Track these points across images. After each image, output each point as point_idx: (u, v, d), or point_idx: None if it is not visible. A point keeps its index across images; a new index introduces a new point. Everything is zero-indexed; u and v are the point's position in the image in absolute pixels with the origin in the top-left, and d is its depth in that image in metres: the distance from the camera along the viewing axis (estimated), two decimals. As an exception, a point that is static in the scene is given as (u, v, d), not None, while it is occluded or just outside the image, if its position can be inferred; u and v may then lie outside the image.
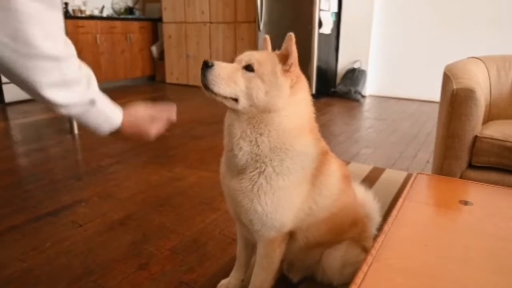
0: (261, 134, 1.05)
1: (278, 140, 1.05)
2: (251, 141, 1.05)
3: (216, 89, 1.00)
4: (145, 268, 1.53)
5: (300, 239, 1.19)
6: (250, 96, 1.01)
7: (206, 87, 1.01)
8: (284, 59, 1.05)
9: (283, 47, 1.06)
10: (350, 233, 1.28)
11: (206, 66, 1.00)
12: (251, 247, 1.32)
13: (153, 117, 1.08)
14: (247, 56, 1.04)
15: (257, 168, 1.07)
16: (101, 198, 2.13)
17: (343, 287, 1.26)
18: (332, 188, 1.17)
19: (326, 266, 1.27)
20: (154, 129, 1.08)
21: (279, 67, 1.04)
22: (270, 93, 1.02)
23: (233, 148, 1.08)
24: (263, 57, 1.05)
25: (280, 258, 1.18)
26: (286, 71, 1.04)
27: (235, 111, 1.05)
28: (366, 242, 1.32)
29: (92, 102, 0.93)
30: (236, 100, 1.02)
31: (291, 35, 1.03)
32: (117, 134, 1.02)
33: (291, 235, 1.17)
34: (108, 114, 0.98)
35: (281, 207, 1.08)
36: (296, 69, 1.06)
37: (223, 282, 1.38)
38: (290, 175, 1.08)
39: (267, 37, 1.18)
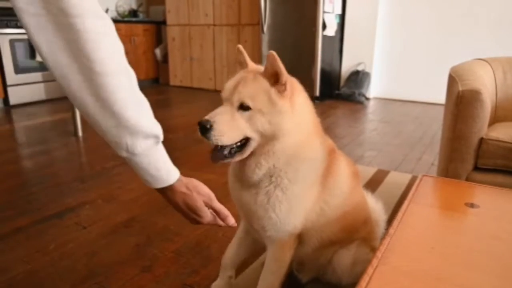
0: (278, 158, 1.04)
1: (291, 154, 1.05)
2: (269, 166, 1.05)
3: (225, 143, 0.98)
4: (149, 270, 1.53)
5: (315, 239, 1.19)
6: (257, 132, 0.99)
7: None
8: (272, 78, 0.99)
9: (266, 66, 1.00)
10: (362, 232, 1.29)
11: (205, 129, 0.97)
12: (244, 248, 1.33)
13: (211, 199, 1.03)
14: (236, 94, 0.99)
15: (272, 182, 1.06)
16: (105, 201, 2.13)
17: (350, 287, 1.26)
18: (342, 186, 1.17)
19: (337, 265, 1.27)
20: (207, 215, 1.02)
21: (272, 92, 0.99)
22: (273, 120, 0.99)
23: (245, 172, 1.07)
24: (253, 89, 0.99)
25: (289, 262, 1.17)
26: (282, 92, 0.99)
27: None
28: (374, 242, 1.33)
29: (157, 137, 0.90)
30: (246, 141, 1.01)
31: (272, 53, 0.96)
32: (171, 192, 0.96)
33: (303, 237, 1.17)
34: (167, 160, 0.93)
35: (293, 212, 1.08)
36: (289, 84, 1.02)
37: (214, 285, 1.37)
38: (304, 182, 1.08)
39: (240, 47, 1.12)
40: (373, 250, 1.28)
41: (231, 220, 1.06)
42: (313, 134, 1.10)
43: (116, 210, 2.03)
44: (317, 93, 4.93)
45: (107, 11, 6.10)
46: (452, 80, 1.83)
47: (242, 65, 1.11)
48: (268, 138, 1.01)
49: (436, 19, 4.81)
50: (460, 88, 1.68)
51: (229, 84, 1.03)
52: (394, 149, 3.11)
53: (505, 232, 0.99)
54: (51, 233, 1.81)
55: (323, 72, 4.94)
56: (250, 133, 0.99)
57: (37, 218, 1.94)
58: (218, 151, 1.02)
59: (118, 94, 0.78)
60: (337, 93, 5.24)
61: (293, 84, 1.05)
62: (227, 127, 0.97)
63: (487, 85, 1.86)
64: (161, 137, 0.89)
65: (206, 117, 0.98)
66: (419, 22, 4.92)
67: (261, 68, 1.06)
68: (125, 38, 5.83)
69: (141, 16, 6.63)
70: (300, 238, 1.17)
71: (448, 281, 0.79)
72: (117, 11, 6.36)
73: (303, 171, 1.07)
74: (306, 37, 4.82)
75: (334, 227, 1.19)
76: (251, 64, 1.10)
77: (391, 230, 0.97)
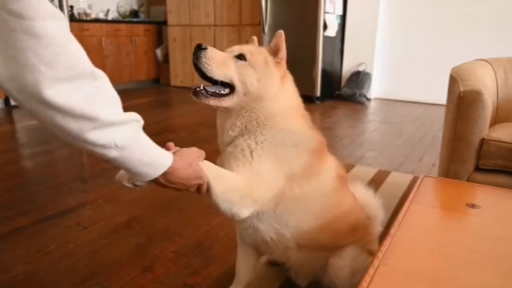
0: (250, 120, 1.08)
1: (271, 120, 1.08)
2: (240, 127, 1.09)
3: (208, 71, 1.02)
4: (149, 270, 1.53)
5: (292, 226, 1.13)
6: (244, 83, 1.05)
7: (199, 69, 1.03)
8: (274, 53, 1.10)
9: (272, 43, 1.10)
10: (350, 238, 1.25)
11: (200, 48, 1.02)
12: (252, 256, 1.32)
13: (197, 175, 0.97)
14: (238, 47, 1.09)
15: (247, 138, 1.08)
16: (106, 201, 2.13)
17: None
18: (324, 182, 1.14)
19: (334, 277, 1.23)
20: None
21: (270, 58, 1.09)
22: (262, 80, 1.06)
23: (223, 140, 1.12)
24: (255, 48, 1.11)
25: (242, 212, 1.04)
26: (277, 63, 1.09)
27: (226, 109, 1.09)
28: (371, 246, 1.30)
29: (138, 121, 0.83)
30: (230, 89, 1.06)
31: (281, 32, 1.08)
32: (167, 176, 0.88)
33: (279, 216, 1.12)
34: (154, 144, 0.86)
35: (263, 163, 1.05)
36: (284, 65, 1.11)
37: None
38: (281, 148, 1.07)
39: (255, 37, 1.25)
40: (371, 254, 1.25)
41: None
42: (298, 115, 1.15)
43: (117, 210, 2.03)
44: (318, 93, 4.93)
45: (108, 11, 6.10)
46: (453, 81, 1.83)
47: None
48: (251, 98, 1.06)
49: (437, 19, 4.80)
50: (461, 89, 1.67)
51: (235, 46, 1.12)
52: (395, 150, 3.11)
53: (506, 232, 0.99)
54: (52, 233, 1.81)
55: (324, 72, 4.94)
56: (237, 81, 1.05)
57: (38, 218, 1.94)
58: (203, 88, 1.07)
59: (93, 98, 0.72)
60: (338, 93, 5.23)
61: (287, 73, 1.15)
62: (219, 59, 1.03)
63: (488, 85, 1.86)
64: (142, 120, 0.83)
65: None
66: (420, 22, 4.91)
67: None
68: (126, 39, 5.84)
69: (142, 16, 6.64)
70: (276, 216, 1.11)
71: (449, 281, 0.78)
72: (118, 11, 6.36)
73: (279, 138, 1.07)
74: (307, 38, 4.82)
75: (311, 222, 1.14)
76: (283, 37, 1.15)
77: (392, 231, 0.97)
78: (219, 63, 1.03)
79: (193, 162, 0.95)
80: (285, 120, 1.10)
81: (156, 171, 0.85)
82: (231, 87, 1.06)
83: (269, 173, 1.06)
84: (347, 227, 1.24)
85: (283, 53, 1.09)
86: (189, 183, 0.93)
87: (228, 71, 1.04)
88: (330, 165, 1.18)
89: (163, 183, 0.89)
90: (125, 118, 0.78)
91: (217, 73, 1.03)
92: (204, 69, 1.02)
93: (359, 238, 1.28)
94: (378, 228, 1.44)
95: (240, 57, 1.06)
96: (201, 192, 0.99)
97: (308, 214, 1.15)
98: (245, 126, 1.09)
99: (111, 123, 0.75)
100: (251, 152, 1.05)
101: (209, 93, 1.06)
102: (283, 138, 1.08)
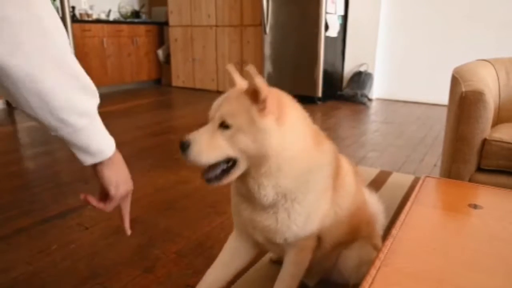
0: (277, 177, 1.00)
1: (294, 170, 1.02)
2: (273, 186, 1.01)
3: (203, 162, 0.96)
4: (151, 271, 1.53)
5: (327, 242, 1.19)
6: (240, 151, 0.96)
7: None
8: (254, 96, 0.94)
9: (247, 85, 0.97)
10: (365, 232, 1.30)
11: (183, 148, 0.96)
12: (238, 262, 1.29)
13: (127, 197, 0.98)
14: (218, 112, 0.97)
15: (287, 199, 1.05)
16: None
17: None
18: (349, 187, 1.19)
19: (343, 267, 1.27)
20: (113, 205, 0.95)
21: (253, 110, 0.94)
22: (257, 139, 0.94)
23: (254, 196, 1.04)
24: (233, 106, 0.97)
25: (307, 265, 1.18)
26: (262, 110, 0.94)
27: (242, 175, 1.01)
28: (376, 240, 1.34)
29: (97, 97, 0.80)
30: (233, 163, 0.98)
31: (250, 69, 0.92)
32: (107, 165, 0.87)
33: (319, 241, 1.18)
34: (106, 134, 0.84)
35: (311, 219, 1.09)
36: (271, 100, 0.95)
37: None
38: (316, 190, 1.08)
39: (229, 66, 1.07)
40: (375, 248, 1.29)
41: (128, 230, 1.03)
42: (311, 146, 1.06)
43: (118, 211, 2.02)
44: (320, 94, 4.93)
45: (109, 12, 6.11)
46: (455, 81, 1.82)
47: (231, 84, 1.09)
48: (258, 159, 0.96)
49: (439, 19, 4.80)
50: (463, 89, 1.67)
51: (215, 103, 1.02)
52: (396, 150, 3.10)
53: (509, 233, 0.99)
54: (54, 233, 1.81)
55: (325, 73, 4.94)
56: (233, 153, 0.96)
57: (40, 219, 1.94)
58: (208, 171, 1.00)
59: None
60: (340, 94, 5.23)
61: (280, 99, 1.00)
62: (206, 146, 0.95)
63: (490, 86, 1.85)
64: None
65: (186, 136, 0.97)
66: (422, 22, 4.91)
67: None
68: (127, 39, 5.85)
69: (143, 17, 6.64)
70: (318, 241, 1.18)
71: (451, 282, 0.78)
72: (119, 12, 6.37)
73: (312, 181, 1.06)
74: (309, 38, 4.82)
75: (344, 228, 1.20)
76: (240, 82, 1.05)
77: (394, 231, 0.97)
78: (207, 150, 0.95)
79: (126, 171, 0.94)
80: (306, 160, 1.03)
81: (112, 146, 0.85)
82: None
83: (320, 218, 1.11)
84: (365, 221, 1.30)
85: (263, 93, 0.92)
86: (125, 180, 0.93)
87: (220, 150, 0.96)
88: (347, 166, 1.20)
89: (104, 170, 0.86)
90: (94, 87, 0.78)
91: (211, 159, 0.96)
92: (198, 165, 0.97)
93: (369, 231, 1.33)
94: (379, 229, 1.47)
95: (224, 125, 0.95)
96: (126, 207, 0.98)
97: (342, 222, 1.18)
98: (276, 183, 1.01)
99: (90, 87, 0.76)
100: (299, 215, 1.06)
101: (218, 174, 1.00)
102: (314, 178, 1.06)
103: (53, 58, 0.68)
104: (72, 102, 0.72)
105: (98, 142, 0.81)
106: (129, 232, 1.02)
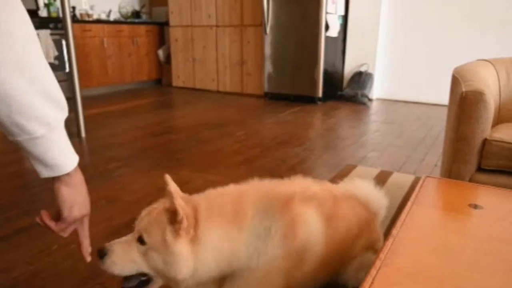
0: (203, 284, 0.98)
1: (220, 273, 0.98)
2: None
3: (116, 273, 0.96)
4: (151, 271, 1.53)
5: (311, 284, 1.14)
6: (153, 269, 0.95)
7: None
8: (173, 215, 0.92)
9: (167, 202, 0.95)
10: (357, 248, 1.25)
11: (100, 256, 0.96)
12: None
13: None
14: (139, 223, 0.97)
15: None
16: (107, 201, 2.13)
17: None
18: (311, 248, 1.06)
19: (342, 271, 1.25)
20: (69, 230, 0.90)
21: (168, 230, 0.92)
22: (168, 262, 0.92)
23: None
24: (151, 222, 0.95)
25: None
26: (178, 230, 0.91)
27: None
28: (376, 244, 1.30)
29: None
30: (149, 279, 0.97)
31: (169, 188, 0.91)
32: (65, 182, 0.82)
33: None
34: (69, 147, 0.80)
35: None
36: (190, 219, 0.92)
37: None
38: (255, 273, 1.00)
39: (166, 177, 1.00)
40: (376, 252, 1.27)
41: (88, 257, 0.96)
42: (242, 242, 0.98)
43: (118, 211, 2.03)
44: (320, 94, 4.93)
45: (109, 12, 6.11)
46: (455, 81, 1.82)
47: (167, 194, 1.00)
48: (172, 279, 0.94)
49: (439, 19, 4.80)
50: (464, 89, 1.67)
51: (143, 212, 1.01)
52: (397, 150, 3.10)
53: (509, 233, 0.99)
54: (54, 233, 1.80)
55: (326, 73, 4.94)
56: (146, 269, 0.95)
57: (40, 219, 1.94)
58: (127, 280, 1.00)
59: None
60: (340, 94, 5.23)
61: (200, 215, 0.96)
62: (121, 259, 0.95)
63: (490, 86, 1.85)
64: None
65: (106, 244, 0.97)
66: (422, 23, 4.91)
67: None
68: (128, 39, 5.85)
69: (144, 17, 6.65)
70: None
71: (451, 282, 0.78)
72: (120, 12, 6.37)
73: (250, 279, 0.99)
74: (309, 38, 4.82)
75: (323, 268, 1.13)
76: (173, 193, 0.94)
77: (394, 231, 0.97)
78: (122, 262, 0.95)
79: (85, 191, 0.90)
80: (229, 265, 0.97)
81: (72, 163, 0.80)
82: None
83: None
84: (350, 244, 1.22)
85: (180, 215, 0.90)
86: (82, 202, 0.88)
87: (134, 264, 0.95)
88: (306, 230, 1.05)
89: (61, 187, 0.81)
90: (64, 101, 0.76)
91: (125, 272, 0.96)
92: (114, 274, 0.96)
93: (366, 239, 1.27)
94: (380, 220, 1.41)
95: (141, 239, 0.94)
96: (83, 232, 0.93)
97: (316, 268, 1.10)
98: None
99: (58, 99, 0.74)
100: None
101: (135, 285, 1.00)
102: (251, 277, 0.99)
103: (15, 61, 0.65)
104: (32, 109, 0.69)
105: (56, 155, 0.76)
106: (88, 259, 0.95)
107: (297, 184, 1.17)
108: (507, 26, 4.44)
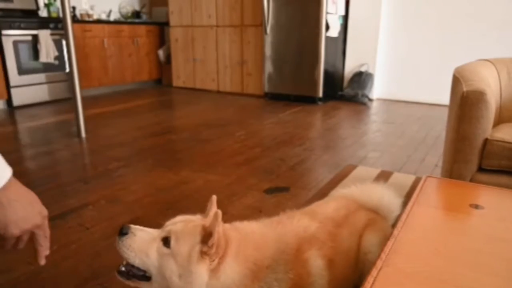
0: None
1: None
2: None
3: (125, 256, 0.95)
4: (151, 271, 1.53)
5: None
6: (163, 276, 0.91)
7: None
8: (207, 236, 0.89)
9: (208, 221, 0.93)
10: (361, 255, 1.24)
11: (121, 233, 0.95)
12: None
13: (42, 214, 0.82)
14: (172, 225, 0.95)
15: None
16: (108, 202, 2.13)
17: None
18: (319, 267, 1.06)
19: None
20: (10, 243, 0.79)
21: (197, 248, 0.90)
22: (184, 278, 0.89)
23: None
24: (184, 231, 0.93)
25: None
26: (205, 253, 0.89)
27: None
28: (386, 231, 1.27)
29: None
30: (149, 278, 0.94)
31: (217, 212, 0.88)
32: (10, 190, 0.75)
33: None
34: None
35: None
36: (220, 250, 0.90)
37: None
38: None
39: (214, 198, 1.03)
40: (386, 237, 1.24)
41: (42, 260, 0.85)
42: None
43: (119, 211, 2.02)
44: (320, 94, 4.92)
45: (110, 12, 6.11)
46: (456, 81, 1.82)
47: (205, 212, 1.04)
48: None
49: (440, 19, 4.79)
50: (465, 89, 1.67)
51: (178, 217, 1.00)
52: (397, 150, 3.10)
53: (510, 233, 0.99)
54: (54, 234, 1.80)
55: (326, 73, 4.94)
56: (155, 269, 0.93)
57: (40, 219, 1.93)
58: (129, 265, 0.97)
59: None
60: (340, 94, 5.23)
61: (226, 256, 0.93)
62: (137, 248, 0.94)
63: (491, 85, 1.85)
64: None
65: (132, 226, 0.96)
66: (423, 22, 4.90)
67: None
68: (128, 39, 5.85)
69: (144, 17, 6.64)
70: None
71: (452, 282, 0.78)
72: (120, 12, 6.37)
73: None
74: (309, 38, 4.82)
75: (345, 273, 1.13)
76: (210, 217, 0.97)
77: (395, 232, 0.96)
78: (138, 251, 0.94)
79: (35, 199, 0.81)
80: None
81: (1, 178, 0.72)
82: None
83: None
84: (355, 250, 1.21)
85: (214, 239, 0.88)
86: (21, 218, 0.76)
87: (147, 260, 0.93)
88: (312, 269, 1.05)
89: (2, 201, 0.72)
90: None
91: (134, 260, 0.94)
92: (124, 256, 0.95)
93: (369, 219, 1.28)
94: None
95: (166, 241, 0.92)
96: (40, 239, 0.82)
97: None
98: None
99: None
100: None
101: (131, 274, 0.97)
102: None
103: None
104: None
105: None
106: (42, 262, 0.86)
107: (298, 225, 1.14)
108: (508, 26, 4.43)
